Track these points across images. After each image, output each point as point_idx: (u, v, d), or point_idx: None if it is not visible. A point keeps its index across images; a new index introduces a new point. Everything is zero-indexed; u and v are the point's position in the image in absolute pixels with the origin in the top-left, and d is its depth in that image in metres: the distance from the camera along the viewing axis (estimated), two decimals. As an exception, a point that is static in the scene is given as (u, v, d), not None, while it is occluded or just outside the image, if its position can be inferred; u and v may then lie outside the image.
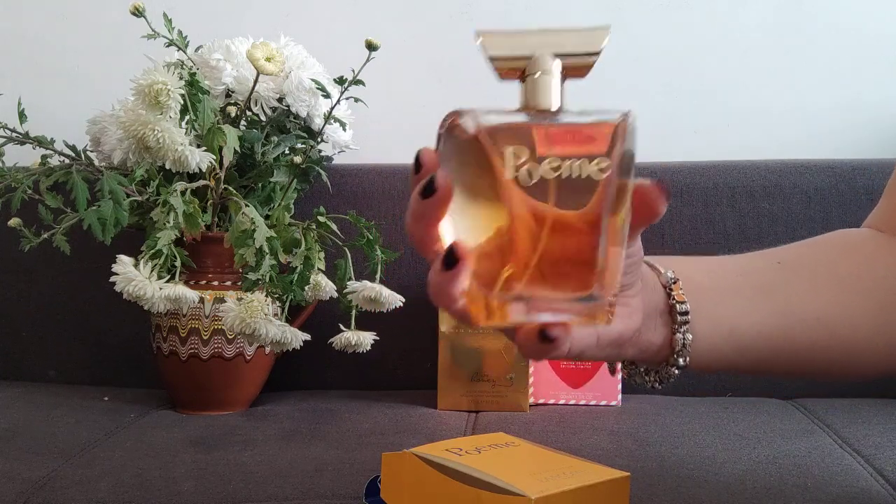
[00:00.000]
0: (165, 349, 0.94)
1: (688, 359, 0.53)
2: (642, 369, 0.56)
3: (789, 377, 0.93)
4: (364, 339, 0.89)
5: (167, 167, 0.87)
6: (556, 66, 0.42)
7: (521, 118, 0.41)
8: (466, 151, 0.39)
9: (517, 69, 0.42)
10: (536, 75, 0.41)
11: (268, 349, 0.96)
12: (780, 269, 0.57)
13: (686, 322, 0.52)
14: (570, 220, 0.39)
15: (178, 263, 0.86)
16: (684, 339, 0.52)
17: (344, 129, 1.04)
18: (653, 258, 0.55)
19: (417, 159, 0.41)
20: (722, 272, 0.57)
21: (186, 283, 0.89)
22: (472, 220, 0.40)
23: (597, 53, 0.43)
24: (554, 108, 0.41)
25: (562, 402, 1.00)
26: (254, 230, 0.84)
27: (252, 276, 0.83)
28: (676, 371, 0.53)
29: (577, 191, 0.39)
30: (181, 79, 0.87)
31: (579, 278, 0.40)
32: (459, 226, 0.40)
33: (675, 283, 0.53)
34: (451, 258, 0.39)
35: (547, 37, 0.43)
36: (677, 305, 0.52)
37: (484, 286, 0.39)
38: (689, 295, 0.53)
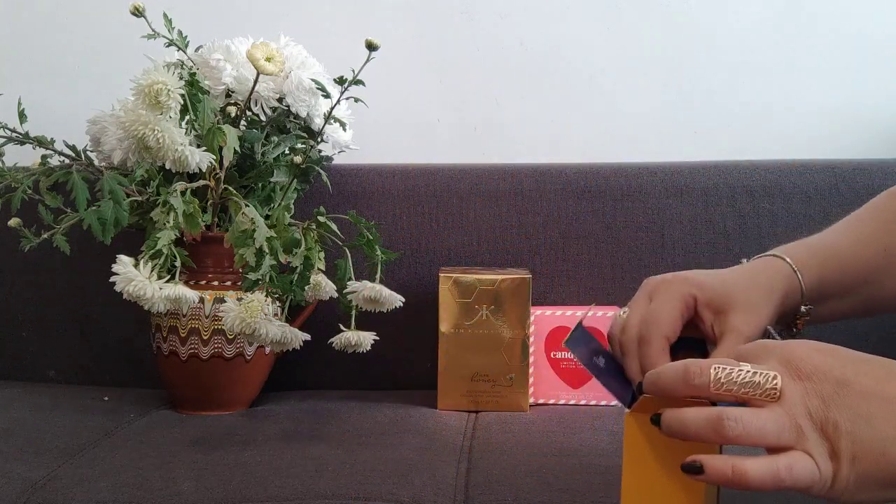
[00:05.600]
0: (165, 349, 0.94)
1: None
2: None
3: None
4: (364, 339, 0.89)
5: (167, 167, 0.87)
6: None
7: None
8: None
9: None
10: None
11: (268, 349, 0.96)
12: (886, 256, 0.65)
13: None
14: None
15: (178, 263, 0.86)
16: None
17: (344, 129, 1.04)
18: (791, 251, 0.64)
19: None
20: (847, 273, 0.66)
21: (186, 283, 0.89)
22: None
23: None
24: None
25: (562, 402, 1.00)
26: (254, 230, 0.84)
27: (252, 276, 0.83)
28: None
29: None
30: (181, 79, 0.87)
31: None
32: None
33: (805, 316, 0.64)
34: None
35: None
36: (792, 329, 0.65)
37: None
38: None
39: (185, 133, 0.88)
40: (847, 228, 0.69)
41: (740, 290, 0.61)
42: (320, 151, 1.05)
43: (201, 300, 0.91)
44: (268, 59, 0.91)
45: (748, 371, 0.47)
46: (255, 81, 0.95)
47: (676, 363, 0.49)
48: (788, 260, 0.63)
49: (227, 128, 0.90)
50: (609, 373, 0.60)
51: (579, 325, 0.58)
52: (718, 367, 0.47)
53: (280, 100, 1.00)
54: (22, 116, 0.93)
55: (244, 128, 0.98)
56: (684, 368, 0.48)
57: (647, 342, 0.58)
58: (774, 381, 0.46)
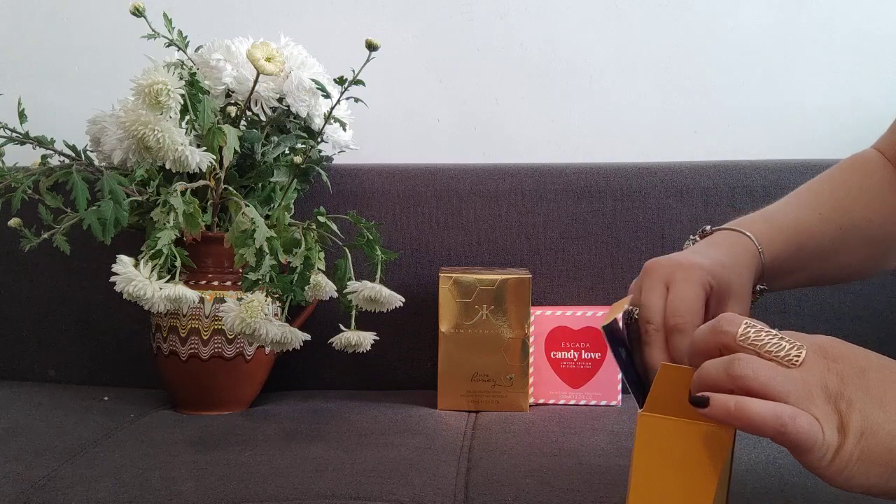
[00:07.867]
0: (165, 349, 0.94)
1: None
2: None
3: None
4: (364, 339, 0.89)
5: (167, 167, 0.87)
6: None
7: None
8: None
9: None
10: None
11: (268, 349, 0.96)
12: (840, 235, 0.65)
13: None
14: None
15: (178, 263, 0.86)
16: None
17: (344, 129, 1.04)
18: (755, 228, 0.62)
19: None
20: (804, 251, 0.64)
21: (186, 283, 0.89)
22: None
23: None
24: None
25: (562, 402, 1.00)
26: (254, 230, 0.84)
27: (252, 276, 0.83)
28: None
29: None
30: (181, 79, 0.87)
31: None
32: None
33: (757, 296, 0.62)
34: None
35: None
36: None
37: None
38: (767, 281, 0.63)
39: (185, 133, 0.88)
40: (806, 202, 0.67)
41: (735, 275, 0.59)
42: (320, 151, 1.05)
43: (201, 300, 0.91)
44: (268, 59, 0.91)
45: (777, 335, 0.46)
46: (255, 81, 0.95)
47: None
48: (752, 237, 0.61)
49: (227, 128, 0.90)
50: (628, 367, 0.59)
51: (619, 316, 0.58)
52: (750, 324, 0.47)
53: (280, 100, 1.00)
54: (22, 116, 0.93)
55: (244, 128, 0.98)
56: (718, 318, 0.48)
57: (682, 331, 0.55)
58: (799, 351, 0.46)
